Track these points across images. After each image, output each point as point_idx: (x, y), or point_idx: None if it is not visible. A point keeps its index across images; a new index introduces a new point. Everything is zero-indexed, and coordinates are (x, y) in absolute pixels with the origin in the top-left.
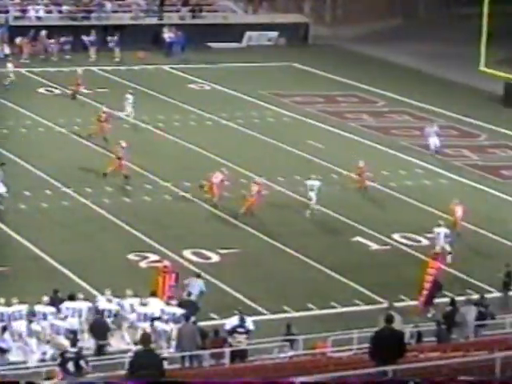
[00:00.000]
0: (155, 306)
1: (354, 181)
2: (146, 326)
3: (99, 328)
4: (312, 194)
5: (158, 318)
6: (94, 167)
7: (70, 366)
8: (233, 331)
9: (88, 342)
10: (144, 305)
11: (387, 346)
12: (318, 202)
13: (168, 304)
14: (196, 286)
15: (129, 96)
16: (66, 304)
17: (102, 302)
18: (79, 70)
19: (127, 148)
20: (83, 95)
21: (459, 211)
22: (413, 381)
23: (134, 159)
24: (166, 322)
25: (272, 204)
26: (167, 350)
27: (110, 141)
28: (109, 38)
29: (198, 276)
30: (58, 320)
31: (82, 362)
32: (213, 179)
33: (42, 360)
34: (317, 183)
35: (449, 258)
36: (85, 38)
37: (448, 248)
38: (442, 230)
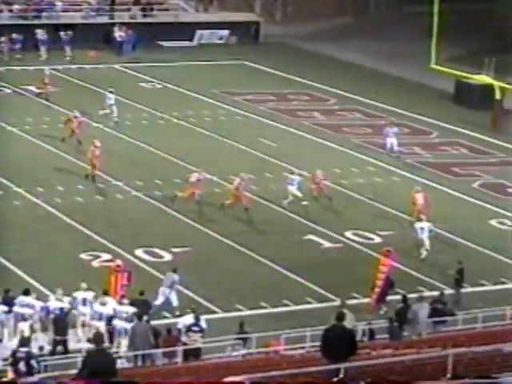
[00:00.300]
0: (111, 305)
1: (309, 183)
2: (101, 324)
3: (60, 323)
4: (292, 189)
5: (113, 317)
6: (45, 166)
7: (22, 365)
8: (188, 330)
9: (41, 342)
10: (103, 304)
11: (337, 343)
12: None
13: (121, 303)
14: (169, 279)
15: (110, 95)
16: (21, 298)
17: (53, 302)
18: (46, 69)
19: (101, 148)
20: (36, 94)
21: (420, 199)
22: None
23: (85, 159)
24: (125, 320)
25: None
26: (126, 349)
27: (69, 142)
28: (62, 33)
29: (174, 271)
30: (18, 307)
31: (33, 362)
32: (191, 179)
33: None
34: (297, 178)
35: (424, 254)
36: (38, 32)
37: (427, 244)
38: (425, 225)
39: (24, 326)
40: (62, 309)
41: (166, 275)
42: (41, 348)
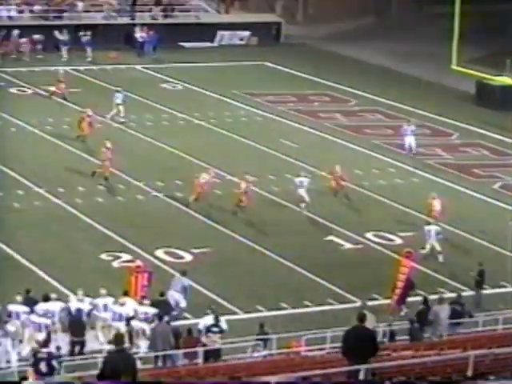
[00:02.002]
0: (130, 305)
1: (328, 181)
2: (121, 325)
3: (77, 325)
4: (302, 192)
5: (133, 318)
6: (66, 167)
7: (43, 366)
8: (207, 331)
9: (62, 342)
10: (121, 304)
11: (359, 344)
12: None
13: (141, 304)
14: (178, 284)
15: (118, 95)
16: (41, 305)
17: (74, 302)
18: (61, 69)
19: (112, 149)
20: (58, 96)
21: (437, 205)
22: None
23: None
24: (144, 320)
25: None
26: (145, 349)
27: (92, 144)
28: (81, 34)
29: (184, 274)
30: (36, 317)
31: (54, 362)
32: (200, 180)
33: (19, 360)
34: (306, 180)
35: (440, 258)
36: (57, 34)
37: (438, 247)
38: (433, 228)
39: (40, 336)
40: (81, 310)
41: (174, 279)
42: (58, 348)
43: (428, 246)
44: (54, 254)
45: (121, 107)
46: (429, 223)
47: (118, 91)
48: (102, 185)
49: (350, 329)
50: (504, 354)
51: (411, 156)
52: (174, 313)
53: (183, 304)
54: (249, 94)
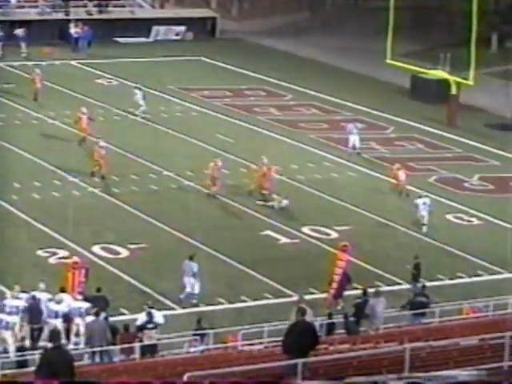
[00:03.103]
0: (66, 302)
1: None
2: (57, 322)
3: (35, 312)
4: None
5: (69, 314)
6: (1, 164)
7: None
8: (143, 327)
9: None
10: (58, 302)
11: (301, 339)
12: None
13: (76, 299)
14: (189, 269)
15: (137, 91)
16: None
17: (9, 300)
18: (37, 69)
19: (106, 147)
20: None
21: (402, 175)
22: None
23: (42, 155)
24: (79, 315)
25: (181, 198)
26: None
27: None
28: (16, 31)
29: (191, 258)
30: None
31: None
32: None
33: None
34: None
35: (424, 229)
36: None
37: (426, 219)
38: (425, 200)
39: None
40: (18, 307)
41: (184, 264)
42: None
43: (419, 216)
44: None
45: (142, 103)
46: (420, 196)
47: (136, 88)
48: (100, 183)
49: (293, 323)
50: (440, 347)
51: (355, 154)
52: (194, 301)
53: (197, 290)
54: (184, 89)
